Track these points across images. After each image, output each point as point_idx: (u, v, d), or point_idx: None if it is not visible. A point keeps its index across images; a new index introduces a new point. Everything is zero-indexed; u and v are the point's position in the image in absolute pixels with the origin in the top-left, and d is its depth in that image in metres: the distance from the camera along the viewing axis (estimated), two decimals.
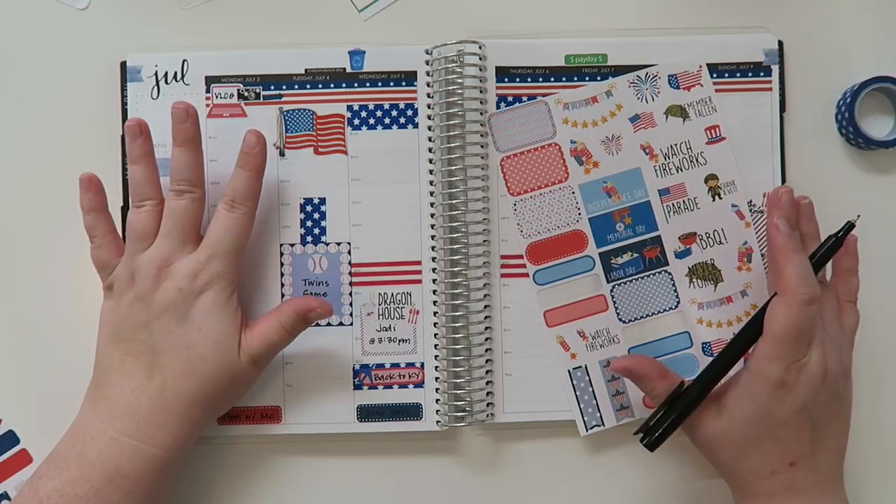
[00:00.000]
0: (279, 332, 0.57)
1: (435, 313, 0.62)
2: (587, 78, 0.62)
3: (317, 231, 0.62)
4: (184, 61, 0.61)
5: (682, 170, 0.62)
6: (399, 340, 0.62)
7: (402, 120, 0.62)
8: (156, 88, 0.61)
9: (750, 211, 0.62)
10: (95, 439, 0.54)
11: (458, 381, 0.61)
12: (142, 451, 0.54)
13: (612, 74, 0.62)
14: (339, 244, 0.62)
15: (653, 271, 0.62)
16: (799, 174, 0.63)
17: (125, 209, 0.61)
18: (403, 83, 0.62)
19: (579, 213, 0.62)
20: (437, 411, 0.61)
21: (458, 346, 0.61)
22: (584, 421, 0.62)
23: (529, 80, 0.62)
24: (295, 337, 0.58)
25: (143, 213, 0.57)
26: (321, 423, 0.61)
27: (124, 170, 0.62)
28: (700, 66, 0.62)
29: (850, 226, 0.57)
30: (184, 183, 0.57)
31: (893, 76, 0.61)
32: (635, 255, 0.62)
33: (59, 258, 0.62)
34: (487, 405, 0.61)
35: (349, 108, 0.62)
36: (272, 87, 0.62)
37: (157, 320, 0.55)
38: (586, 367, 0.62)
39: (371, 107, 0.62)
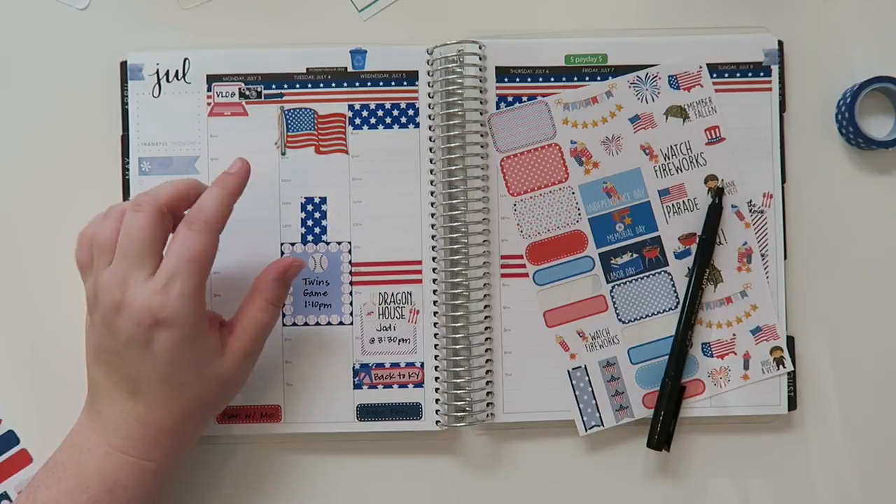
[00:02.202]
0: (266, 310, 0.55)
1: (435, 313, 0.62)
2: (587, 78, 0.62)
3: (317, 230, 0.62)
4: (185, 59, 0.62)
5: (681, 170, 0.62)
6: (399, 340, 0.62)
7: (404, 119, 0.62)
8: (157, 87, 0.61)
9: (750, 211, 0.62)
10: (92, 452, 0.53)
11: (458, 381, 0.60)
12: (138, 465, 0.53)
13: (612, 74, 0.62)
14: (339, 243, 0.62)
15: (653, 272, 0.62)
16: (799, 174, 0.63)
17: None
18: (405, 83, 0.62)
19: (579, 214, 0.62)
20: (437, 411, 0.61)
21: (458, 346, 0.61)
22: (583, 421, 0.62)
23: (529, 80, 0.62)
24: (281, 309, 0.58)
25: (108, 223, 0.53)
26: (321, 422, 0.61)
27: (125, 170, 0.62)
28: (700, 67, 0.62)
29: (719, 190, 0.61)
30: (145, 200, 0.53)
31: (893, 76, 0.62)
32: (635, 255, 0.62)
33: (59, 258, 0.62)
34: (487, 405, 0.61)
35: (350, 107, 0.62)
36: (273, 87, 0.62)
37: (126, 350, 0.52)
38: (586, 368, 0.62)
39: (372, 106, 0.62)
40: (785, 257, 0.62)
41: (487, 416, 0.61)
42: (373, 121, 0.62)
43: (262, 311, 0.55)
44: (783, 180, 0.62)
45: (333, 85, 0.62)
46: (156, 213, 0.53)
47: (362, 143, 0.62)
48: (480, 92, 0.62)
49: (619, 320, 0.62)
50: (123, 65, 0.62)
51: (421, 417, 0.61)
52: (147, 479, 0.53)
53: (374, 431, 0.61)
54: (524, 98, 0.62)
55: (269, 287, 0.56)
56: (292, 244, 0.62)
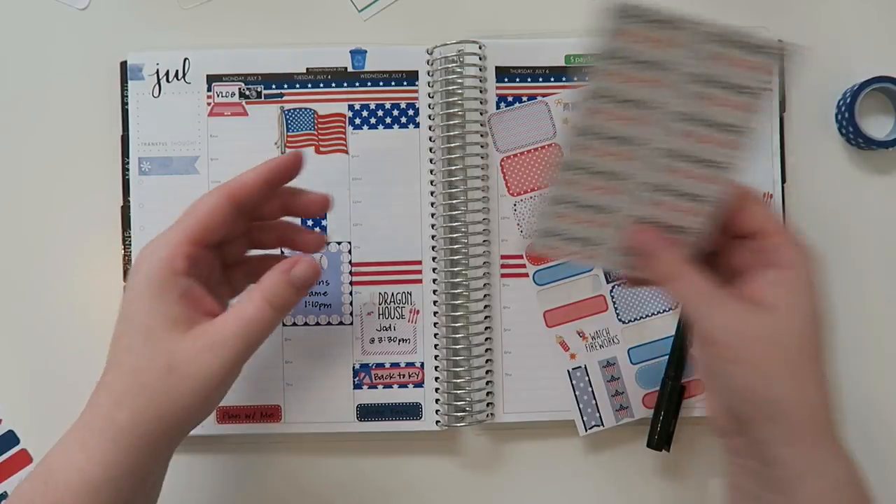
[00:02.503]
0: (257, 306, 0.48)
1: (435, 313, 0.62)
2: (587, 78, 0.62)
3: (318, 230, 0.62)
4: (185, 59, 0.62)
5: None
6: (399, 340, 0.62)
7: (404, 119, 0.62)
8: (157, 87, 0.61)
9: None
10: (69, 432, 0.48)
11: (458, 381, 0.60)
12: (70, 451, 0.46)
13: None
14: (339, 243, 0.62)
15: None
16: (799, 174, 0.63)
17: (125, 209, 0.61)
18: (405, 83, 0.62)
19: None
20: (437, 411, 0.61)
21: (458, 346, 0.61)
22: (583, 421, 0.62)
23: (529, 80, 0.62)
24: (280, 313, 0.49)
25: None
26: (321, 422, 0.61)
27: (125, 170, 0.62)
28: None
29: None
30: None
31: (893, 76, 0.62)
32: None
33: (58, 258, 0.62)
34: (487, 405, 0.61)
35: (350, 107, 0.62)
36: (273, 87, 0.62)
37: None
38: (586, 368, 0.62)
39: (372, 106, 0.62)
40: None
41: (487, 416, 0.61)
42: (373, 121, 0.62)
43: (253, 306, 0.48)
44: (783, 180, 0.62)
45: (333, 85, 0.62)
46: (217, 195, 0.50)
47: (362, 143, 0.62)
48: (480, 92, 0.62)
49: (619, 320, 0.62)
50: (123, 65, 0.62)
51: (421, 417, 0.61)
52: (73, 478, 0.45)
53: (374, 431, 0.61)
54: (524, 98, 0.62)
55: (269, 281, 0.49)
56: None
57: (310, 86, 0.62)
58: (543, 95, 0.62)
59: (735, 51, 0.45)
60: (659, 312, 0.62)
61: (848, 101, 0.62)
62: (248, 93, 0.62)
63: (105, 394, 0.47)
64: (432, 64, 0.62)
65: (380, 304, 0.62)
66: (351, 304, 0.62)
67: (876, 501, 0.46)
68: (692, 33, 0.45)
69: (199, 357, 0.46)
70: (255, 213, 0.53)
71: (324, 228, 0.62)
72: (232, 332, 0.47)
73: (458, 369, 0.61)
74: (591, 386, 0.62)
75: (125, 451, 0.46)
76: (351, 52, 0.62)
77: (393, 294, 0.62)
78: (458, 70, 0.61)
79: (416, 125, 0.62)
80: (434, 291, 0.62)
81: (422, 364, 0.62)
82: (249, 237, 0.55)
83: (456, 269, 0.61)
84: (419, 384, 0.62)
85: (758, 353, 0.44)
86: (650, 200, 0.47)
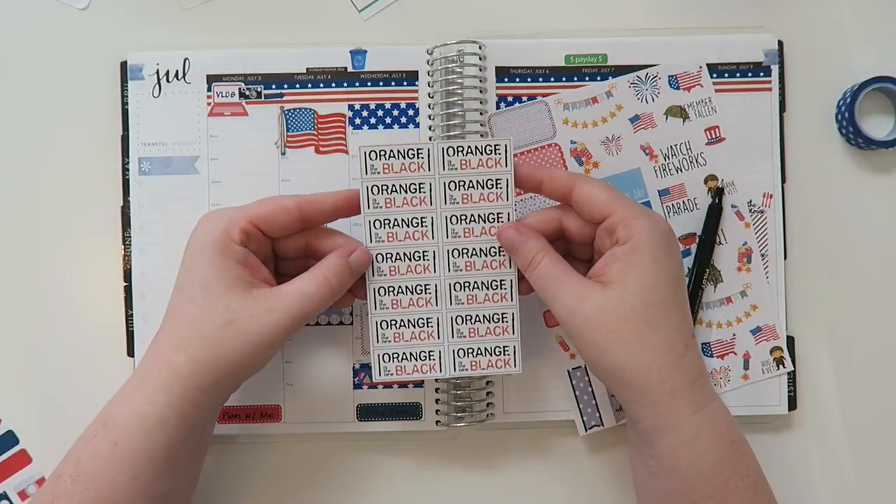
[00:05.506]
0: (318, 283, 0.51)
1: None
2: (587, 78, 0.62)
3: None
4: (185, 59, 0.62)
5: (681, 170, 0.62)
6: None
7: (404, 119, 0.62)
8: (157, 87, 0.61)
9: (750, 211, 0.62)
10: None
11: (458, 380, 0.60)
12: (127, 395, 0.50)
13: (612, 74, 0.62)
14: None
15: None
16: (799, 174, 0.63)
17: (125, 209, 0.61)
18: (405, 83, 0.62)
19: None
20: (437, 411, 0.61)
21: None
22: (583, 421, 0.62)
23: (529, 80, 0.62)
24: (336, 293, 0.52)
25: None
26: (321, 422, 0.61)
27: (124, 170, 0.62)
28: (700, 67, 0.62)
29: (719, 190, 0.62)
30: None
31: (893, 76, 0.62)
32: None
33: (58, 258, 0.62)
34: (487, 405, 0.61)
35: (350, 107, 0.62)
36: (273, 87, 0.62)
37: None
38: (585, 368, 0.62)
39: (372, 106, 0.62)
40: (785, 257, 0.62)
41: (487, 415, 0.61)
42: (373, 121, 0.62)
43: (314, 282, 0.51)
44: (783, 180, 0.62)
45: (333, 85, 0.62)
46: (293, 203, 0.54)
47: (362, 142, 0.62)
48: (480, 92, 0.62)
49: None
50: (123, 65, 0.62)
51: (421, 417, 0.61)
52: (133, 419, 0.49)
53: (374, 431, 0.61)
54: (524, 98, 0.62)
55: (330, 262, 0.52)
56: None
57: (310, 86, 0.62)
58: (543, 95, 0.62)
59: (472, 156, 0.54)
60: None
61: (848, 101, 0.62)
62: (248, 93, 0.62)
63: (163, 341, 0.51)
64: (432, 64, 0.62)
65: None
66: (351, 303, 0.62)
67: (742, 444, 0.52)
68: (433, 153, 0.54)
69: (258, 316, 0.50)
70: (279, 248, 0.56)
71: None
72: (292, 299, 0.51)
73: None
74: (591, 386, 0.62)
75: (178, 394, 0.49)
76: (351, 52, 0.62)
77: None
78: (458, 70, 0.61)
79: (416, 125, 0.62)
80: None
81: None
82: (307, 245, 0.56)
83: None
84: (419, 384, 0.62)
85: (591, 328, 0.49)
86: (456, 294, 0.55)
